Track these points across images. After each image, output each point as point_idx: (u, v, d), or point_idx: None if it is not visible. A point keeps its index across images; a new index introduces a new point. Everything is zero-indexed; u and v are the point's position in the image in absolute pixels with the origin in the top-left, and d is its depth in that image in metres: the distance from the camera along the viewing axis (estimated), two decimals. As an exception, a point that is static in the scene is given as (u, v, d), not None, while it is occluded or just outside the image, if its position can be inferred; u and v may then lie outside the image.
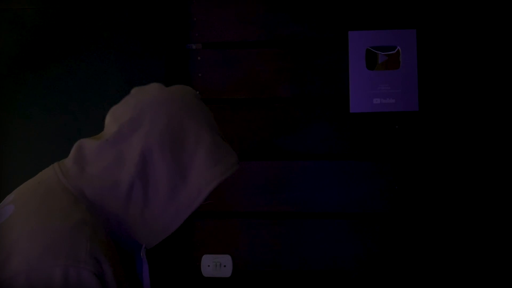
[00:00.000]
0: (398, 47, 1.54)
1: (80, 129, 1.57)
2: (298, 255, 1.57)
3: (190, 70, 1.60)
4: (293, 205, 1.57)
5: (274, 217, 1.58)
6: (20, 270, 0.73)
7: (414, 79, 1.53)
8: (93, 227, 0.81)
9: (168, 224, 0.88)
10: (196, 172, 0.89)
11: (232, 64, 1.59)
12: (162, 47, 1.57)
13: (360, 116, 1.56)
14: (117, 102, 0.96)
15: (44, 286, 0.72)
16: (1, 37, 1.60)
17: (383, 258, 1.54)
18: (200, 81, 1.60)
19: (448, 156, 1.53)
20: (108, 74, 1.58)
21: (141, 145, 0.86)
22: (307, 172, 1.57)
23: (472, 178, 1.52)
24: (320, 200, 1.56)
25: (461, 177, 1.52)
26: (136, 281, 0.93)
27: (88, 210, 0.84)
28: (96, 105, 1.58)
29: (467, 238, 1.51)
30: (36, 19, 1.60)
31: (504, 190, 1.50)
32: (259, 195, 1.58)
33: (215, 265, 1.57)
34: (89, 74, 1.59)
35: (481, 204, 1.51)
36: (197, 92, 1.17)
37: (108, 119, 0.93)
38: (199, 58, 1.60)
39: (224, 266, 1.57)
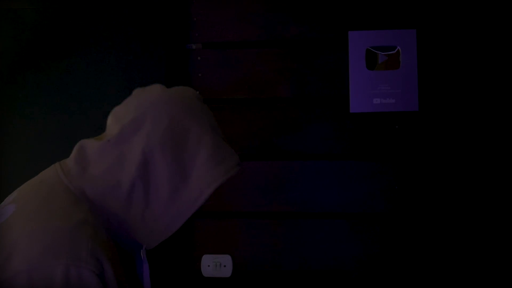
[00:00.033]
0: (398, 47, 1.54)
1: (80, 129, 1.57)
2: (298, 255, 1.57)
3: (190, 70, 1.60)
4: (293, 205, 1.57)
5: (274, 217, 1.58)
6: (21, 269, 0.73)
7: (414, 79, 1.53)
8: (94, 227, 0.81)
9: (169, 225, 0.88)
10: (197, 173, 0.89)
11: (232, 64, 1.59)
12: (162, 47, 1.57)
13: (360, 116, 1.56)
14: (117, 102, 0.96)
15: (45, 285, 0.73)
16: (1, 37, 1.60)
17: (383, 258, 1.54)
18: (200, 81, 1.60)
19: (448, 156, 1.53)
20: (108, 74, 1.58)
21: (143, 146, 0.87)
22: (307, 172, 1.57)
23: (472, 178, 1.52)
24: (320, 200, 1.56)
25: (461, 177, 1.52)
26: (136, 281, 0.93)
27: (89, 210, 0.84)
28: (96, 105, 1.58)
29: (467, 238, 1.51)
30: (36, 19, 1.60)
31: (504, 190, 1.50)
32: (259, 195, 1.58)
33: (215, 265, 1.57)
34: (89, 74, 1.59)
35: (481, 204, 1.51)
36: (198, 92, 1.17)
37: (110, 120, 0.93)
38: (199, 58, 1.60)
39: (224, 266, 1.57)
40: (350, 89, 1.55)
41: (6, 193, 0.93)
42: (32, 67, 1.60)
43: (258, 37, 1.59)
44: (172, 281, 1.56)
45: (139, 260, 0.91)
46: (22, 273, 0.73)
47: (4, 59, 1.60)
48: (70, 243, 0.76)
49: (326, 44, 1.57)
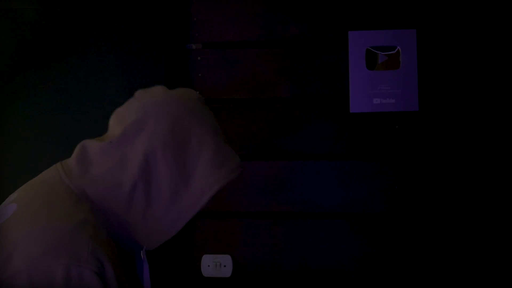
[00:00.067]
0: (398, 47, 1.54)
1: (80, 129, 1.57)
2: (298, 255, 1.57)
3: (190, 70, 1.60)
4: (293, 205, 1.57)
5: (274, 217, 1.58)
6: (21, 269, 0.73)
7: (414, 79, 1.53)
8: (95, 227, 0.81)
9: (169, 226, 0.89)
10: (199, 176, 0.89)
11: (232, 64, 1.59)
12: (162, 47, 1.57)
13: (360, 116, 1.56)
14: (117, 102, 0.96)
15: (46, 285, 0.73)
16: (1, 37, 1.60)
17: (383, 258, 1.54)
18: (200, 81, 1.60)
19: (448, 156, 1.53)
20: (108, 74, 1.58)
21: (145, 147, 0.87)
22: (307, 172, 1.57)
23: (472, 178, 1.52)
24: (320, 200, 1.56)
25: (461, 177, 1.52)
26: (136, 281, 0.93)
27: (90, 210, 0.84)
28: (96, 105, 1.57)
29: (467, 238, 1.52)
30: (36, 19, 1.60)
31: (504, 190, 1.51)
32: (259, 195, 1.58)
33: (215, 265, 1.57)
34: (89, 74, 1.58)
35: (481, 204, 1.51)
36: (198, 92, 1.17)
37: (112, 121, 0.93)
38: (199, 58, 1.60)
39: (224, 266, 1.57)
40: (350, 89, 1.55)
41: (6, 193, 0.93)
42: (32, 67, 1.60)
43: (258, 37, 1.59)
44: (172, 281, 1.56)
45: (139, 260, 0.91)
46: (22, 273, 0.73)
47: (4, 59, 1.60)
48: (71, 243, 0.76)
49: (326, 44, 1.57)
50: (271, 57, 1.58)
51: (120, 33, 1.58)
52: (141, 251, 0.89)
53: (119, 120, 0.91)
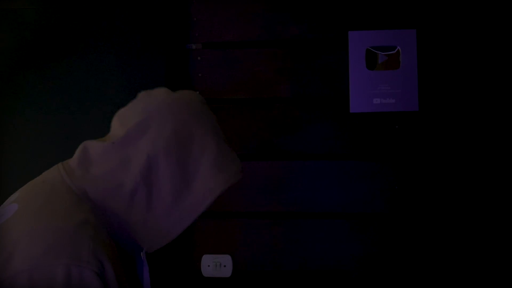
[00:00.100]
0: (398, 47, 1.54)
1: (80, 129, 1.57)
2: (298, 255, 1.57)
3: (190, 70, 1.60)
4: (293, 205, 1.57)
5: (274, 217, 1.58)
6: (22, 269, 0.73)
7: (414, 79, 1.53)
8: (95, 227, 0.81)
9: (170, 229, 0.89)
10: (200, 179, 0.89)
11: (232, 64, 1.59)
12: (162, 47, 1.57)
13: (360, 116, 1.56)
14: (117, 102, 0.96)
15: (46, 285, 0.72)
16: (1, 37, 1.60)
17: (383, 258, 1.54)
18: (200, 81, 1.60)
19: (448, 156, 1.53)
20: (108, 74, 1.58)
21: (148, 150, 0.87)
22: (307, 172, 1.57)
23: (472, 178, 1.52)
24: (320, 200, 1.56)
25: (461, 177, 1.52)
26: (136, 282, 0.93)
27: (91, 210, 0.84)
28: (96, 105, 1.57)
29: (467, 238, 1.52)
30: (36, 19, 1.60)
31: (504, 190, 1.51)
32: (259, 195, 1.58)
33: (215, 265, 1.57)
34: (89, 74, 1.58)
35: (481, 204, 1.51)
36: (198, 93, 1.17)
37: (114, 122, 0.93)
38: (199, 58, 1.60)
39: (224, 266, 1.57)
40: (350, 89, 1.55)
41: (6, 193, 0.93)
42: (32, 67, 1.60)
43: (258, 37, 1.59)
44: (172, 281, 1.56)
45: (140, 260, 0.91)
46: (23, 273, 0.73)
47: (4, 59, 1.60)
48: (71, 243, 0.76)
49: (326, 44, 1.57)
50: (271, 57, 1.58)
51: (120, 33, 1.58)
52: (141, 253, 0.89)
53: (122, 121, 0.91)
